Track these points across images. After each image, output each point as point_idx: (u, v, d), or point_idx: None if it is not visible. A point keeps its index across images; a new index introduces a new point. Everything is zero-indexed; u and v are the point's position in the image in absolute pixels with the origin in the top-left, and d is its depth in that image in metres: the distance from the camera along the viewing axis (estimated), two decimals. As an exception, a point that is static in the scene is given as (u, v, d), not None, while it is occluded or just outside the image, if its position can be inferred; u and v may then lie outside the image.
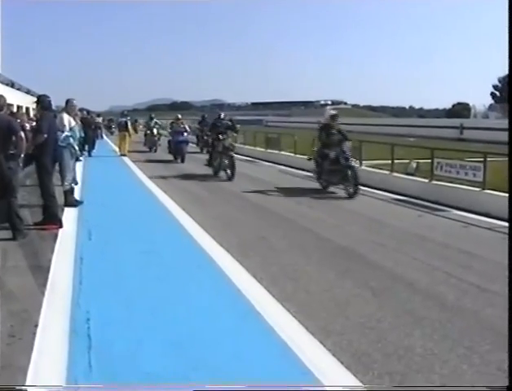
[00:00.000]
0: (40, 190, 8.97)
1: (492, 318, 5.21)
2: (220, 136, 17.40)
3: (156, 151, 28.40)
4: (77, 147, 11.02)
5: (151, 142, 29.38)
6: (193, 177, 17.57)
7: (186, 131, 23.39)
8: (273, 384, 3.72)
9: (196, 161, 21.97)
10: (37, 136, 8.65)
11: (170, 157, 23.56)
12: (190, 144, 25.45)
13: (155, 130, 29.04)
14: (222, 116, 19.98)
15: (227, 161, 16.98)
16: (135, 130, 50.83)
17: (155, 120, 30.14)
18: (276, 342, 4.46)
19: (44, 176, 8.78)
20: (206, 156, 19.35)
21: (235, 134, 19.38)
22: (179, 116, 24.40)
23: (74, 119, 10.98)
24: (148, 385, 3.71)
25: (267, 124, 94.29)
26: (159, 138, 29.26)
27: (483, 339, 4.69)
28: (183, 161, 22.37)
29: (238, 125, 20.62)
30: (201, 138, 28.97)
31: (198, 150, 28.99)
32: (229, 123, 18.86)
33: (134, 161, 22.13)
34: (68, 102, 10.93)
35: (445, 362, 4.21)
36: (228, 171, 16.84)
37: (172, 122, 24.88)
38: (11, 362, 4.04)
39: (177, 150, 22.90)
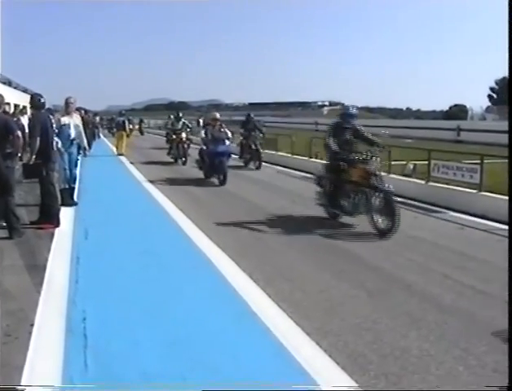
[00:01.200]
0: (40, 189, 8.95)
1: (488, 319, 5.22)
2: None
3: (185, 163, 20.76)
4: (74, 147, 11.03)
5: (178, 151, 21.50)
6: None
7: (228, 138, 15.87)
8: (269, 383, 3.72)
9: (243, 180, 16.86)
10: (33, 142, 8.60)
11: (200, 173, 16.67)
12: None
13: (184, 135, 21.62)
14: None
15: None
16: (141, 132, 49.93)
17: (183, 120, 23.12)
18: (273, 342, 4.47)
19: (46, 175, 8.75)
20: (255, 173, 18.70)
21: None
22: (217, 116, 16.69)
23: (72, 117, 10.92)
24: (145, 385, 3.71)
25: (264, 124, 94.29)
26: (189, 146, 22.01)
27: (479, 340, 4.70)
28: (223, 182, 15.08)
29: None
30: (247, 148, 21.03)
31: (241, 163, 21.10)
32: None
33: (153, 182, 15.17)
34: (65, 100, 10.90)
35: (441, 363, 4.21)
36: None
37: (206, 124, 18.18)
38: (7, 361, 4.03)
39: (215, 166, 15.42)
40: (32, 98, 9.21)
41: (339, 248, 8.07)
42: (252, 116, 21.91)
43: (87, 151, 12.47)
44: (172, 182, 15.85)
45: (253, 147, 20.56)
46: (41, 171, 8.70)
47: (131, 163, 21.16)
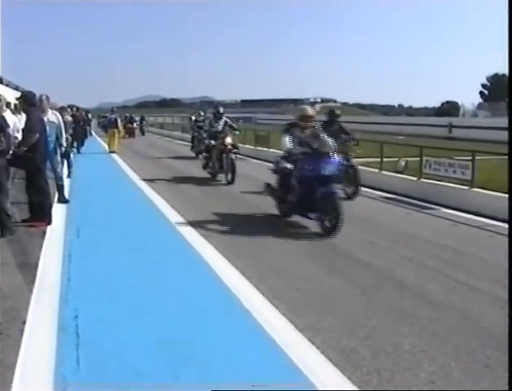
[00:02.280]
0: (28, 187, 8.90)
1: (480, 315, 5.24)
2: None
3: (233, 181, 14.65)
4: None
5: (222, 164, 15.32)
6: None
7: (335, 150, 9.29)
8: (262, 381, 3.73)
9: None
10: (30, 136, 8.51)
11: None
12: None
13: (229, 140, 15.45)
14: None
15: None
16: (142, 131, 47.12)
17: (225, 118, 16.49)
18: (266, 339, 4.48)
19: (35, 173, 8.71)
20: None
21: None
22: (310, 112, 9.85)
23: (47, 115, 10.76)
24: (137, 384, 3.71)
25: (256, 121, 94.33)
26: (235, 156, 15.44)
27: (471, 336, 4.72)
28: (333, 231, 8.43)
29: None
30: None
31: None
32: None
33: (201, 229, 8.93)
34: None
35: (433, 359, 4.23)
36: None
37: (291, 125, 9.95)
38: (-1, 359, 4.02)
39: (317, 201, 8.71)
40: (26, 95, 9.13)
41: (329, 245, 8.08)
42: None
43: (64, 148, 12.33)
44: (228, 221, 9.60)
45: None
46: (28, 163, 8.64)
47: (151, 186, 13.96)
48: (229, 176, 14.85)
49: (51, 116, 10.93)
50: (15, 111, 12.45)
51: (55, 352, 4.13)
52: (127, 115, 49.31)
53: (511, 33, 3.59)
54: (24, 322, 4.70)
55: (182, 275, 6.32)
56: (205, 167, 16.33)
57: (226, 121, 16.41)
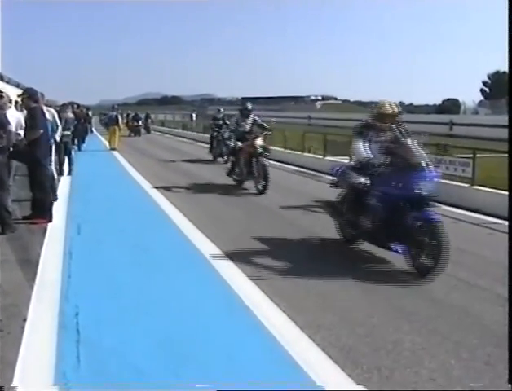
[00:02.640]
0: (31, 183, 8.91)
1: (480, 313, 5.24)
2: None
3: (264, 190, 12.41)
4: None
5: (252, 170, 12.98)
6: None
7: (428, 162, 6.81)
8: (262, 378, 3.73)
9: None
10: (33, 132, 8.52)
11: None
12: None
13: (259, 142, 13.02)
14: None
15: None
16: (148, 129, 44.08)
17: (253, 116, 14.11)
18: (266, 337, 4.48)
19: (36, 169, 8.72)
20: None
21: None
22: (391, 109, 7.32)
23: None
24: (137, 381, 3.71)
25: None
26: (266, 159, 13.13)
27: (471, 334, 4.72)
28: (432, 270, 6.22)
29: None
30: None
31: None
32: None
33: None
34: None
35: (433, 356, 4.23)
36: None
37: (364, 126, 7.54)
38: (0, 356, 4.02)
39: (407, 229, 6.48)
40: (30, 92, 9.10)
41: (328, 242, 8.06)
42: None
43: (63, 144, 12.36)
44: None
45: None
46: (29, 158, 8.65)
47: (166, 197, 11.78)
48: (261, 184, 12.50)
49: (46, 113, 10.89)
50: (17, 108, 12.40)
51: (56, 349, 4.14)
52: (130, 112, 48.17)
53: (511, 32, 3.59)
54: (24, 320, 4.71)
55: (182, 273, 6.32)
56: (230, 173, 14.05)
57: (255, 120, 14.02)
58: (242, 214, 10.35)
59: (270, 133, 14.16)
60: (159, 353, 4.14)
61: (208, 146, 22.64)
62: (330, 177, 8.46)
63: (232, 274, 6.19)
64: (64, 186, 12.98)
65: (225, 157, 19.09)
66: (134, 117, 41.54)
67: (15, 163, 9.66)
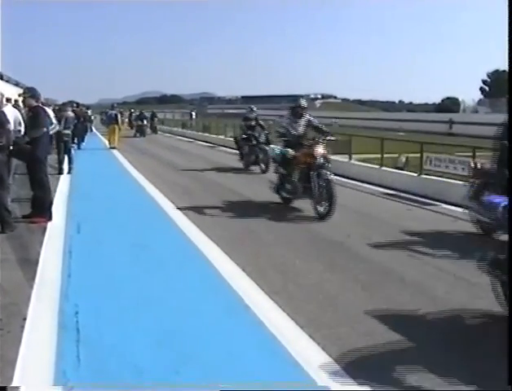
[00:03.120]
0: (30, 182, 8.91)
1: (480, 311, 5.24)
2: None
3: (329, 213, 9.46)
4: None
5: (307, 186, 10.02)
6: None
7: None
8: (262, 377, 3.73)
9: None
10: (35, 130, 8.52)
11: None
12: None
13: (320, 150, 10.15)
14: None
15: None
16: (154, 130, 40.80)
17: (308, 116, 11.06)
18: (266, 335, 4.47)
19: (37, 168, 8.71)
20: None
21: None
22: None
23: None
24: (137, 380, 3.71)
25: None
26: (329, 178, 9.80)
27: (471, 332, 4.72)
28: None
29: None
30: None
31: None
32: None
33: None
34: None
35: (436, 356, 4.23)
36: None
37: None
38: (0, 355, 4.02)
39: None
40: (32, 91, 9.07)
41: (330, 240, 8.06)
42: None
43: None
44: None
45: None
46: (28, 156, 8.63)
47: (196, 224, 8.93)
48: (323, 206, 9.65)
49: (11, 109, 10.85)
50: (17, 106, 12.40)
51: (56, 348, 4.14)
52: (133, 110, 46.72)
53: (511, 30, 3.59)
54: (24, 318, 4.71)
55: (182, 272, 6.32)
56: (278, 189, 11.06)
57: (309, 120, 10.98)
58: (307, 259, 7.04)
59: (333, 138, 11.16)
60: (159, 352, 4.14)
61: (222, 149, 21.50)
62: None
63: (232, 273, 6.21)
64: (63, 184, 12.98)
65: (263, 166, 16.68)
66: (138, 116, 39.05)
67: (14, 161, 9.66)
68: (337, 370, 3.92)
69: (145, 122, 38.45)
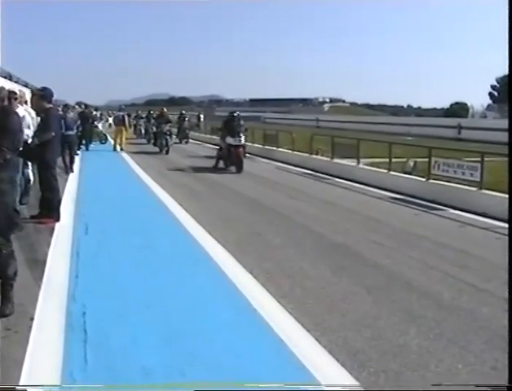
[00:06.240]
0: (39, 183, 8.94)
1: (487, 317, 5.22)
2: None
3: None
4: None
5: None
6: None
7: None
8: (268, 380, 3.72)
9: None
10: (45, 134, 8.53)
11: None
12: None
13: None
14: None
15: None
16: (185, 137, 32.90)
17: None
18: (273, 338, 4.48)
19: (45, 169, 8.74)
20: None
21: None
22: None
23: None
24: (144, 381, 3.72)
25: (264, 120, 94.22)
26: None
27: (478, 338, 4.70)
28: None
29: None
30: None
31: None
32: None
33: None
34: None
35: (440, 360, 4.21)
36: None
37: None
38: (7, 355, 4.02)
39: None
40: (44, 91, 8.96)
41: (335, 244, 8.05)
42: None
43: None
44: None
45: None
46: (38, 158, 8.62)
47: None
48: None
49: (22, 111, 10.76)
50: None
51: (63, 348, 4.15)
52: (152, 112, 35.62)
53: (511, 33, 3.58)
54: (31, 319, 4.72)
55: (190, 274, 6.32)
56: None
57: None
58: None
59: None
60: (166, 353, 4.15)
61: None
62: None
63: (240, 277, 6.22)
64: (71, 185, 13.03)
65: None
66: (157, 119, 27.75)
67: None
68: (344, 373, 3.92)
69: (167, 127, 24.96)
